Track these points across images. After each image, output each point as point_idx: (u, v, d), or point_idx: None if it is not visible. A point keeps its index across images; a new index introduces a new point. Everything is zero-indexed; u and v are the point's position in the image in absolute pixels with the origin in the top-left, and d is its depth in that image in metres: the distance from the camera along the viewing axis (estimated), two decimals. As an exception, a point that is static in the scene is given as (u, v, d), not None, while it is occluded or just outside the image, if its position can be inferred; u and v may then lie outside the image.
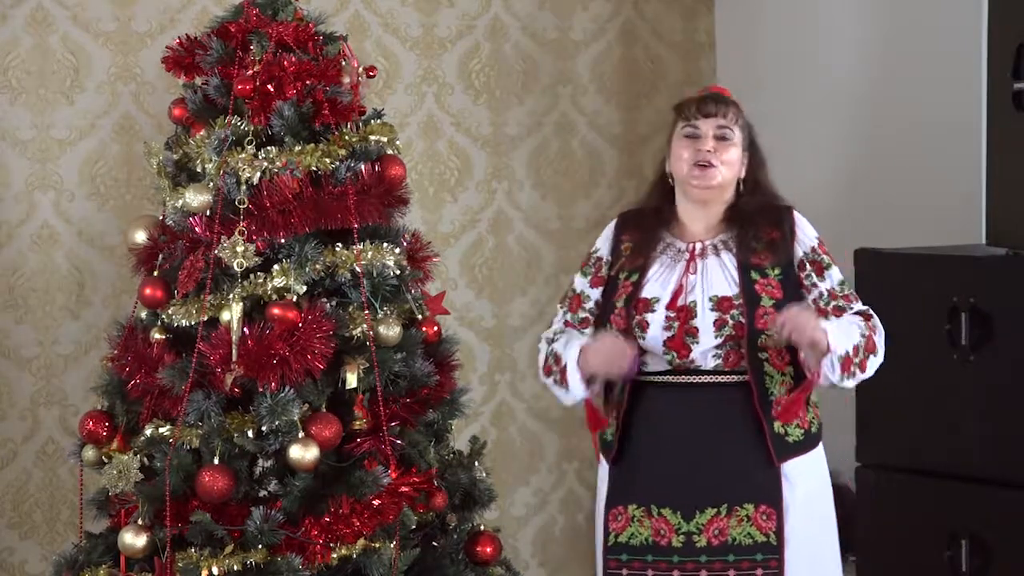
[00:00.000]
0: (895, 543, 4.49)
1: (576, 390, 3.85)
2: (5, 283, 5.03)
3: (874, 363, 3.85)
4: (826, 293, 3.86)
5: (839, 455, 5.02)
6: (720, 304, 3.79)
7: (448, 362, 4.34)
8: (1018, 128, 4.25)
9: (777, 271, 3.84)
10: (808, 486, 3.89)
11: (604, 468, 3.92)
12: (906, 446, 4.48)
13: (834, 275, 3.88)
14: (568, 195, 5.73)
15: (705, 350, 3.79)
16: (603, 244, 3.97)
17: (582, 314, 3.93)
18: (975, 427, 4.29)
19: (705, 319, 3.78)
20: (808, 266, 3.87)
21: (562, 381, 3.87)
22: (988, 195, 4.46)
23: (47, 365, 5.07)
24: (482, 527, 4.34)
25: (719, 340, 3.78)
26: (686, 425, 3.81)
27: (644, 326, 3.81)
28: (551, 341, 3.95)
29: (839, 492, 5.27)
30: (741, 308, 3.78)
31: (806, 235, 3.90)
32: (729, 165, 3.84)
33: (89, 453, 4.25)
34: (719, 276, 3.82)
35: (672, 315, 3.79)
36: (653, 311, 3.81)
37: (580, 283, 3.96)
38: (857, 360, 3.79)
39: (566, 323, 3.95)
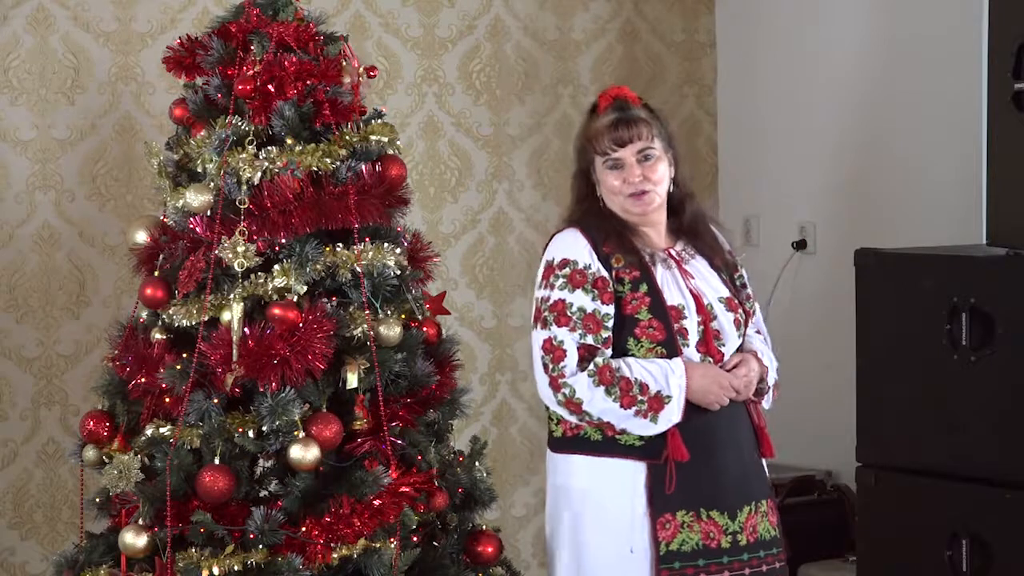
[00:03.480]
0: (895, 543, 4.50)
1: (673, 419, 3.75)
2: (6, 283, 5.03)
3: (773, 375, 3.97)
4: (752, 295, 3.97)
5: (839, 455, 5.03)
6: (729, 304, 3.86)
7: (449, 362, 4.33)
8: (1018, 128, 4.26)
9: (726, 273, 3.92)
10: None
11: (626, 471, 3.82)
12: (906, 446, 4.48)
13: (745, 276, 4.00)
14: (568, 195, 5.71)
15: (730, 351, 3.84)
16: (590, 260, 3.82)
17: (605, 334, 3.79)
18: (975, 427, 4.29)
19: (725, 319, 3.83)
20: (739, 268, 3.97)
21: (649, 412, 3.74)
22: (988, 195, 4.46)
23: (48, 365, 5.08)
24: (483, 527, 4.33)
25: (739, 340, 3.84)
26: (718, 427, 3.83)
27: (685, 333, 3.81)
28: (600, 372, 3.74)
29: (839, 492, 5.31)
30: (740, 307, 3.88)
31: (725, 239, 3.98)
32: (660, 182, 3.84)
33: (90, 453, 4.25)
34: (713, 278, 3.88)
35: (699, 319, 3.82)
36: (687, 318, 3.82)
37: (587, 302, 3.79)
38: (776, 383, 3.95)
39: (587, 347, 3.78)
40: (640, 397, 3.73)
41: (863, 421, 4.58)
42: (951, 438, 4.35)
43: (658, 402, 3.73)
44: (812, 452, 5.29)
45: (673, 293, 3.82)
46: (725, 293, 3.86)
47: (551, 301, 3.80)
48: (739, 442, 3.84)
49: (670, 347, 3.78)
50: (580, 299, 3.79)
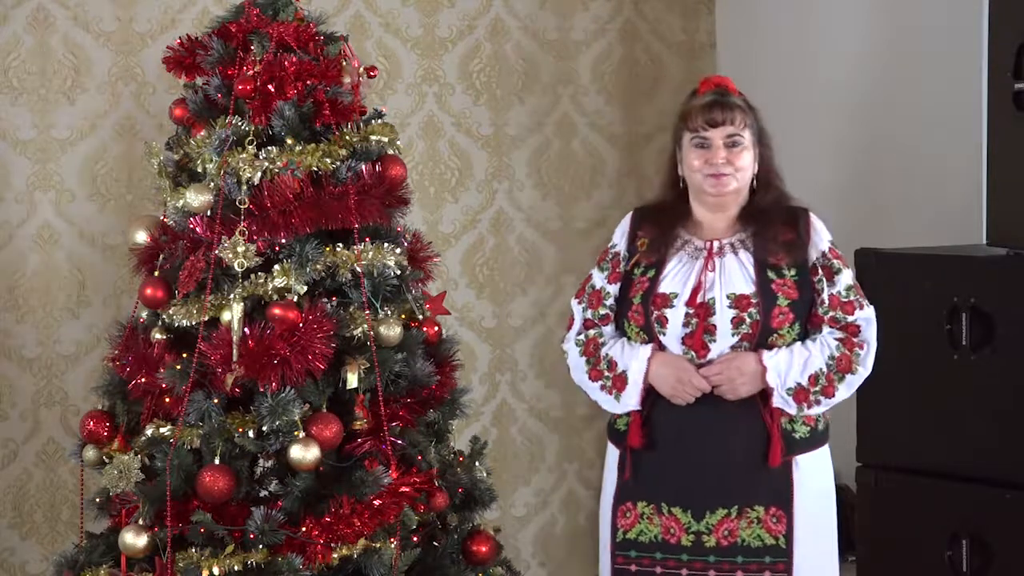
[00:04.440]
0: (895, 543, 4.49)
1: (630, 402, 3.85)
2: (6, 283, 5.03)
3: (851, 382, 3.88)
4: (827, 301, 3.88)
5: (839, 455, 5.02)
6: (738, 302, 3.81)
7: (449, 362, 4.34)
8: (1018, 128, 4.25)
9: (793, 272, 3.86)
10: (815, 486, 3.93)
11: (614, 456, 3.94)
12: (906, 446, 4.47)
13: (843, 280, 3.90)
14: (569, 195, 5.73)
15: (722, 349, 3.80)
16: (620, 239, 3.98)
17: (603, 310, 3.94)
18: (975, 427, 4.29)
19: (723, 316, 3.79)
20: (820, 271, 3.89)
21: (613, 389, 3.87)
22: (988, 195, 4.45)
23: (48, 365, 5.08)
24: (480, 526, 4.34)
25: (736, 338, 3.79)
26: (698, 424, 3.83)
27: (664, 322, 3.83)
28: (587, 344, 3.93)
29: (839, 492, 5.31)
30: (758, 306, 3.80)
31: (820, 238, 3.93)
32: (742, 170, 3.86)
33: (90, 453, 4.25)
34: (737, 274, 3.84)
35: (691, 312, 3.81)
36: (672, 307, 3.82)
37: (598, 279, 3.96)
38: (818, 388, 3.84)
39: (586, 321, 3.96)
40: (607, 373, 3.88)
41: (863, 421, 4.58)
42: (951, 438, 4.35)
43: (622, 381, 3.85)
44: (812, 452, 5.28)
45: (674, 282, 3.84)
46: (741, 291, 3.82)
47: (588, 274, 4.03)
48: (724, 442, 3.82)
49: (649, 333, 3.85)
50: (596, 275, 3.98)
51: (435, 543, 4.22)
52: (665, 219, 3.93)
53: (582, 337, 3.93)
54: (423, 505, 4.08)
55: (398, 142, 4.31)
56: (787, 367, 3.81)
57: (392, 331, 4.10)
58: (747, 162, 3.88)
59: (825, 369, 3.84)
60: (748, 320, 3.80)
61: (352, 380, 4.03)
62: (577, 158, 5.75)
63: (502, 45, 5.63)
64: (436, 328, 4.32)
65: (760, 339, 3.81)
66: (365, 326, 4.06)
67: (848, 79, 5.43)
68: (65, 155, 5.08)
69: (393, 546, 3.98)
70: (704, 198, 3.89)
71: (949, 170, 5.06)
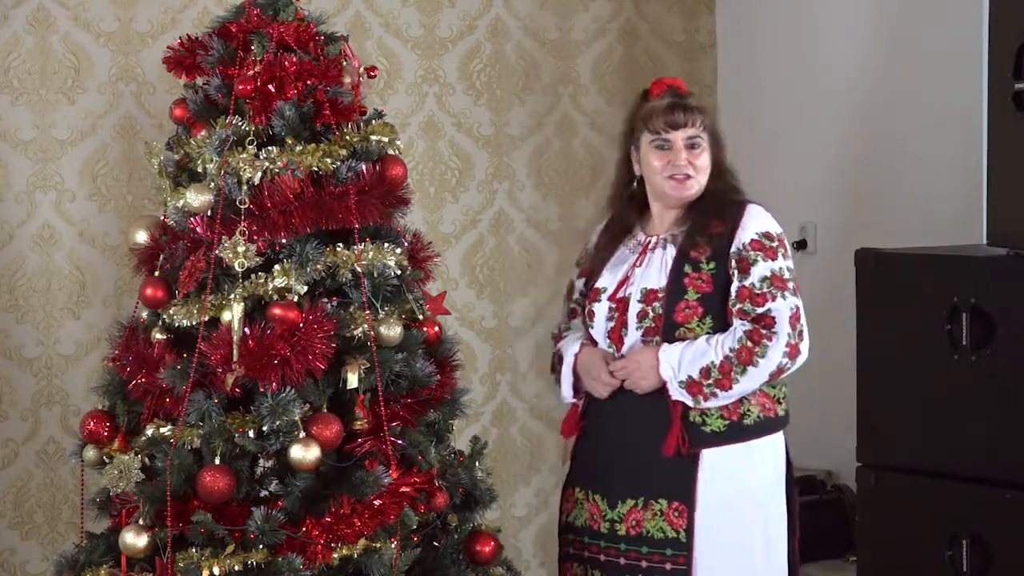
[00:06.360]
0: (895, 543, 4.49)
1: (565, 394, 4.06)
2: (6, 283, 5.03)
3: (754, 375, 3.83)
4: (735, 293, 3.88)
5: (839, 455, 5.03)
6: (646, 296, 3.92)
7: (449, 362, 4.33)
8: (1018, 128, 4.25)
9: (712, 265, 3.91)
10: (725, 484, 3.89)
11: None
12: (906, 446, 4.48)
13: (757, 272, 3.87)
14: (569, 195, 5.73)
15: (632, 342, 3.88)
16: (593, 236, 4.17)
17: (571, 304, 4.14)
18: (975, 427, 4.29)
19: (633, 311, 3.89)
20: (736, 262, 3.90)
21: (558, 381, 4.09)
22: (988, 195, 4.46)
23: (48, 365, 5.08)
24: (482, 526, 4.34)
25: (639, 332, 3.87)
26: (614, 416, 3.96)
27: (592, 315, 4.00)
28: (555, 337, 4.17)
29: (839, 492, 5.31)
30: (663, 300, 3.86)
31: (745, 231, 3.91)
32: (703, 171, 3.95)
33: (90, 453, 4.25)
34: (655, 269, 3.95)
35: (613, 306, 3.95)
36: (599, 301, 3.98)
37: (574, 274, 4.18)
38: (711, 380, 3.83)
39: (569, 313, 4.16)
40: (556, 366, 4.09)
41: (863, 421, 4.58)
42: (951, 438, 4.35)
43: (560, 373, 4.08)
44: (812, 452, 5.29)
45: (609, 277, 4.00)
46: (652, 285, 3.92)
47: None
48: (634, 433, 3.92)
49: (586, 327, 4.03)
50: (574, 271, 4.19)
51: (435, 543, 4.22)
52: (627, 216, 4.07)
53: (556, 331, 4.18)
54: (423, 505, 4.07)
55: (398, 142, 4.31)
56: (679, 360, 3.84)
57: (392, 331, 4.10)
58: (706, 163, 3.96)
59: (719, 361, 3.82)
60: (651, 314, 3.90)
61: (352, 380, 4.03)
62: (577, 158, 5.75)
63: (502, 45, 5.63)
64: (436, 328, 4.31)
65: (666, 333, 3.88)
66: (365, 326, 4.06)
67: (848, 79, 5.44)
68: (65, 155, 5.08)
69: (393, 546, 3.98)
70: (665, 200, 4.00)
71: (949, 170, 5.07)
